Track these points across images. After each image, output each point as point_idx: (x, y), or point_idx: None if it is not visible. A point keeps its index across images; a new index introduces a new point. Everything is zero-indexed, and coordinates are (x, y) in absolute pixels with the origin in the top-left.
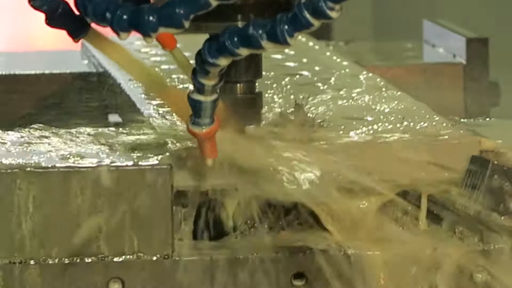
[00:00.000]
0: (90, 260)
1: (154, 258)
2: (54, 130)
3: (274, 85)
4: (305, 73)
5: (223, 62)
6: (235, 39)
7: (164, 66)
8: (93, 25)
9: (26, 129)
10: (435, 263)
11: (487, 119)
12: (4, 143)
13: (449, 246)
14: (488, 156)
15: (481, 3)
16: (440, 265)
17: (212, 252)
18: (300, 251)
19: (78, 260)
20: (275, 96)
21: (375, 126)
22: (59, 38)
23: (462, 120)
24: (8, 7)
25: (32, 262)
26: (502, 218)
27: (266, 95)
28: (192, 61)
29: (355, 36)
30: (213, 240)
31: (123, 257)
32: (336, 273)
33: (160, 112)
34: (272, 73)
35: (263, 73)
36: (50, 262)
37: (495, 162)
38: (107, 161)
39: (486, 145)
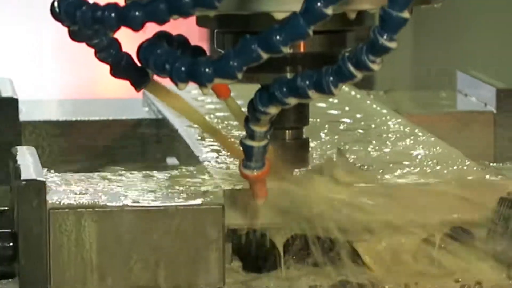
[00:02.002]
0: None
1: None
2: (115, 172)
3: (319, 132)
4: (347, 120)
5: (273, 110)
6: (284, 89)
7: (218, 114)
8: (152, 75)
9: (92, 173)
10: None
11: None
12: (71, 184)
13: (479, 279)
14: None
15: (510, 55)
16: None
17: (260, 285)
18: (341, 285)
19: None
20: (319, 142)
21: (411, 170)
22: (123, 87)
23: (491, 164)
24: (75, 59)
25: None
26: None
27: (312, 140)
28: (245, 109)
29: (395, 85)
30: (260, 273)
31: None
32: None
33: (214, 156)
34: (317, 120)
35: (312, 118)
36: None
37: None
38: (164, 201)
39: None
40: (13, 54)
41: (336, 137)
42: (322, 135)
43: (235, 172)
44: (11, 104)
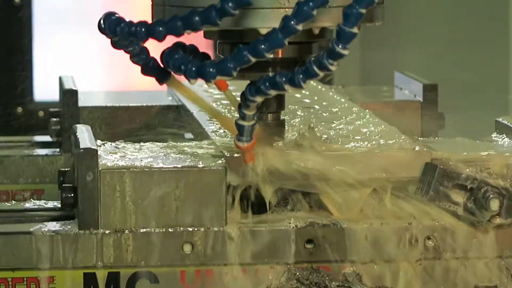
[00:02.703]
0: (171, 229)
1: (214, 228)
2: (147, 143)
3: (296, 114)
4: (316, 106)
5: (259, 99)
6: (267, 84)
7: (224, 101)
8: (172, 73)
9: (130, 142)
10: (400, 234)
11: (436, 138)
12: (116, 151)
13: (409, 221)
14: (436, 162)
15: (433, 60)
16: (403, 235)
17: (253, 224)
18: (311, 225)
19: (163, 230)
20: (296, 121)
21: (362, 142)
22: (151, 82)
23: (419, 138)
24: (117, 62)
25: (130, 229)
26: (446, 204)
27: (291, 121)
28: (238, 98)
29: (348, 82)
30: (253, 215)
31: (194, 227)
32: (334, 241)
33: (218, 132)
34: (295, 106)
35: (289, 106)
36: (143, 231)
37: (441, 167)
38: (183, 164)
39: (435, 155)
40: (74, 57)
41: (308, 118)
42: (298, 116)
43: (233, 144)
44: (72, 94)
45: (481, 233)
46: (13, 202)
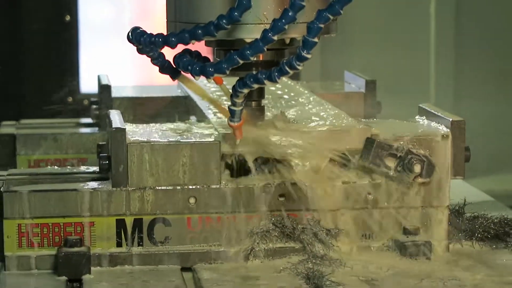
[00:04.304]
0: (179, 187)
1: (212, 186)
2: (162, 124)
3: (271, 102)
4: (286, 96)
5: (245, 90)
6: (251, 79)
7: (218, 93)
8: (182, 72)
9: (150, 124)
10: (348, 190)
11: (375, 119)
12: (137, 130)
13: (355, 180)
14: (374, 137)
15: (373, 61)
16: (351, 190)
17: (239, 183)
18: (283, 183)
19: (174, 187)
20: (271, 107)
21: (320, 122)
22: (167, 78)
23: (362, 120)
24: (141, 64)
25: (149, 187)
26: (382, 167)
27: (267, 106)
28: (230, 90)
29: (310, 78)
30: (239, 177)
31: (196, 186)
32: (300, 195)
33: (215, 115)
34: (270, 96)
35: (266, 95)
36: (159, 188)
37: (378, 140)
38: (189, 139)
39: (374, 132)
40: (109, 60)
41: (280, 105)
42: (273, 103)
43: (226, 124)
44: (107, 88)
45: (407, 189)
46: (64, 167)
